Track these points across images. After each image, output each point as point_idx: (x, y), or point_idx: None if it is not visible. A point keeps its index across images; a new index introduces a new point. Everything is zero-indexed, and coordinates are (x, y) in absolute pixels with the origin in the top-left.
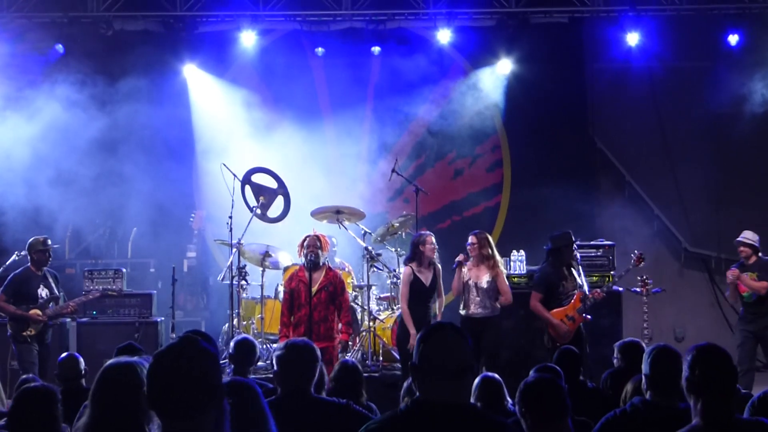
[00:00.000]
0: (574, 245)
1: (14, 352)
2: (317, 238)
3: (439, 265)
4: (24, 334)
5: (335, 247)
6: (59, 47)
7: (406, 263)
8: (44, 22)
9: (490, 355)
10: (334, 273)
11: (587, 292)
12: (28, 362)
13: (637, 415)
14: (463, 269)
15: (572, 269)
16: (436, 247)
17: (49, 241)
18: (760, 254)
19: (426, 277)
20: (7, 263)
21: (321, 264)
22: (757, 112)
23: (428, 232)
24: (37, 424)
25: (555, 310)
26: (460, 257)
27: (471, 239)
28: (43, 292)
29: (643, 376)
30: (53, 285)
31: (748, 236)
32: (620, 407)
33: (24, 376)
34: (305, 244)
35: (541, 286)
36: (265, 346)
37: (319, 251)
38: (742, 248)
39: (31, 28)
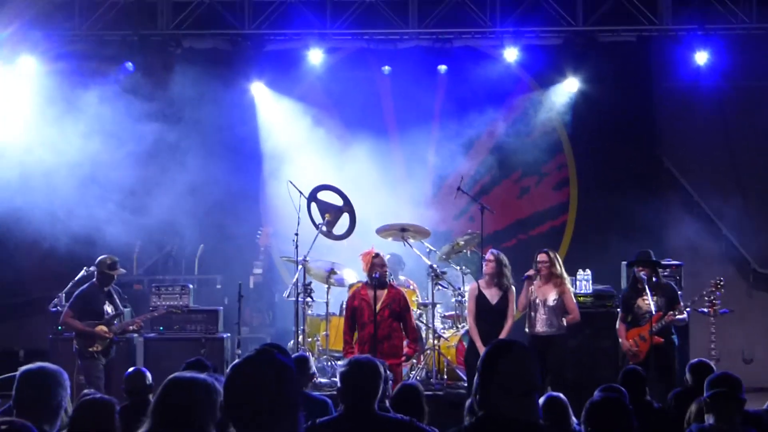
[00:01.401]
0: (641, 264)
1: (80, 367)
2: (379, 258)
3: (513, 288)
4: (90, 350)
5: (402, 265)
6: (129, 65)
7: (478, 279)
8: (115, 40)
9: (555, 374)
10: (396, 290)
11: (653, 312)
12: (95, 377)
13: None
14: (531, 287)
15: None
16: (503, 264)
17: (118, 266)
18: None
19: (492, 295)
20: (76, 278)
21: (385, 282)
22: None
23: (493, 250)
24: None
25: (632, 330)
26: (531, 272)
27: (542, 257)
28: (108, 308)
29: (703, 401)
30: (118, 301)
31: None
32: (684, 431)
33: (86, 391)
34: (373, 262)
35: (621, 305)
36: (329, 363)
37: (378, 271)
38: None
39: (103, 46)
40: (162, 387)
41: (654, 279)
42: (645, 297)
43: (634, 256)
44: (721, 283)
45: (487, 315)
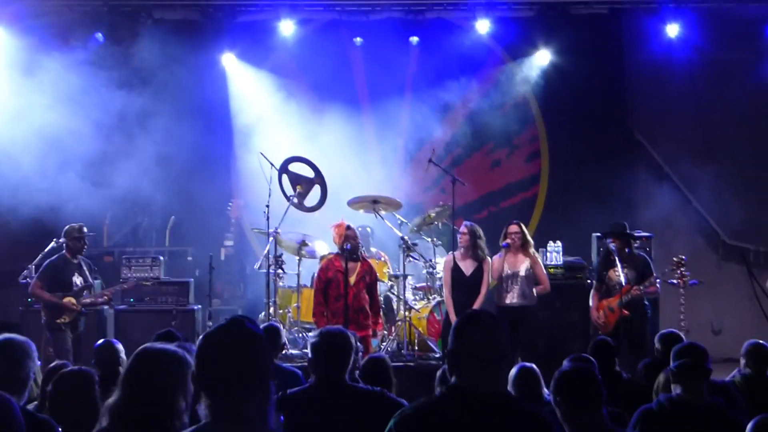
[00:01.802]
0: (612, 236)
1: (49, 339)
2: (351, 231)
3: (489, 259)
4: (58, 321)
5: (371, 237)
6: (99, 36)
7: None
8: (85, 11)
9: (526, 345)
10: (368, 263)
11: (623, 284)
12: (63, 350)
13: (664, 411)
14: (501, 261)
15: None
16: (477, 236)
17: (85, 229)
18: None
19: (467, 267)
20: (46, 250)
21: (357, 254)
22: None
23: (467, 222)
24: (76, 407)
25: (602, 301)
26: (509, 241)
27: (513, 228)
28: (78, 279)
29: (670, 372)
30: (87, 273)
31: None
32: (653, 401)
33: (55, 362)
34: (346, 234)
35: (595, 276)
36: (301, 335)
37: (349, 243)
38: None
39: (72, 16)
40: (132, 358)
41: (627, 251)
42: (615, 269)
43: (608, 227)
44: (683, 260)
45: (463, 286)
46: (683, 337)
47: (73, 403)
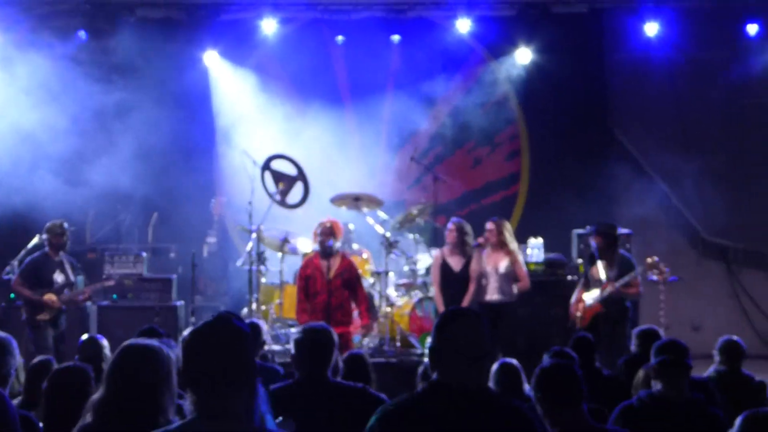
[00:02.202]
0: (595, 234)
1: (29, 336)
2: (331, 225)
3: (477, 254)
4: (38, 318)
5: (353, 234)
6: (81, 34)
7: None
8: (68, 9)
9: (507, 341)
10: (349, 260)
11: (603, 281)
12: (43, 347)
13: (645, 407)
14: (482, 255)
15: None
16: (464, 232)
17: (66, 225)
18: None
19: (456, 263)
20: (29, 246)
21: (336, 251)
22: None
23: (454, 219)
24: (72, 403)
25: (584, 294)
26: (480, 240)
27: (488, 226)
28: (59, 277)
29: (651, 368)
30: (69, 271)
31: None
32: (631, 398)
33: (39, 358)
34: (318, 231)
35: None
36: (283, 331)
37: (333, 238)
38: None
39: (55, 14)
40: (116, 353)
41: (611, 250)
42: (597, 266)
43: (595, 225)
44: (656, 261)
45: (452, 282)
46: (661, 333)
47: (69, 398)
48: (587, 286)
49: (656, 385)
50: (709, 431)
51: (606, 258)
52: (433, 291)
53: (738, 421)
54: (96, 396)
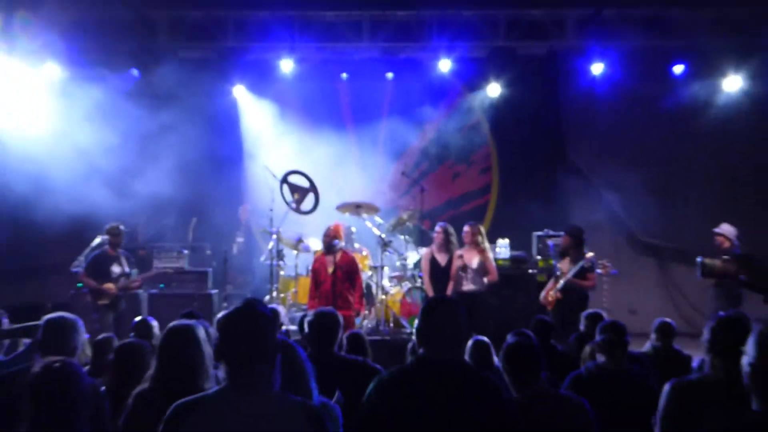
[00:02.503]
0: (565, 234)
1: (94, 317)
2: (334, 229)
3: (460, 252)
4: (99, 303)
5: (354, 235)
6: (134, 71)
7: (429, 246)
8: (123, 51)
9: (479, 322)
10: (349, 257)
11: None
12: (106, 326)
13: (591, 376)
14: (459, 258)
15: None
16: (450, 232)
17: (122, 227)
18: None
19: (441, 259)
20: (92, 245)
21: (337, 249)
22: (697, 128)
23: (441, 223)
24: (132, 371)
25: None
26: (457, 252)
27: (465, 229)
28: (116, 269)
29: (596, 344)
30: (125, 264)
31: (724, 228)
32: (580, 368)
33: (102, 335)
34: (324, 233)
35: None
36: (298, 314)
37: (333, 240)
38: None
39: (112, 55)
40: (165, 332)
41: (575, 249)
42: (562, 261)
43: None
44: (591, 264)
45: (439, 274)
46: (605, 315)
47: (131, 368)
48: (557, 279)
49: (600, 358)
50: (642, 395)
51: (571, 255)
52: (420, 282)
53: (666, 387)
54: (150, 372)
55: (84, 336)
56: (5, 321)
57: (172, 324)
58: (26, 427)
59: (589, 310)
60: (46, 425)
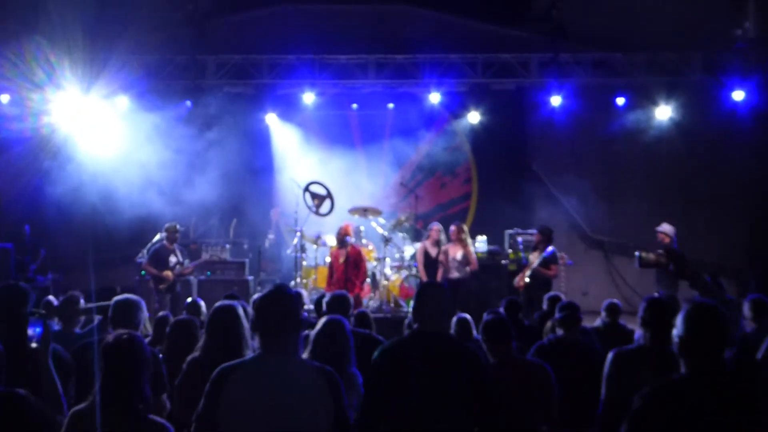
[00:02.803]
0: (537, 233)
1: (155, 298)
2: (345, 228)
3: (445, 248)
4: (160, 287)
5: (362, 233)
6: (188, 103)
7: (424, 239)
8: (179, 86)
9: (462, 303)
10: (356, 250)
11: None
12: (164, 306)
13: (552, 345)
14: (446, 253)
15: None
16: (440, 230)
17: (178, 226)
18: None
19: (433, 251)
20: (153, 240)
21: (347, 244)
22: (635, 147)
23: (436, 223)
24: (185, 341)
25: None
26: (444, 248)
27: (452, 228)
28: (173, 259)
29: (556, 320)
30: (179, 255)
31: (664, 227)
32: (543, 339)
33: (161, 313)
34: (337, 232)
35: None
36: (317, 296)
37: (345, 237)
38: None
39: (170, 90)
40: (212, 310)
41: (544, 245)
42: (533, 254)
43: (536, 229)
44: (552, 255)
45: (431, 264)
46: (563, 297)
47: (184, 339)
48: (527, 267)
49: (559, 332)
50: (591, 360)
51: (540, 249)
52: (415, 270)
53: (609, 355)
54: (201, 343)
55: (146, 314)
56: (81, 301)
57: (218, 303)
58: (97, 386)
59: (551, 293)
60: (114, 384)
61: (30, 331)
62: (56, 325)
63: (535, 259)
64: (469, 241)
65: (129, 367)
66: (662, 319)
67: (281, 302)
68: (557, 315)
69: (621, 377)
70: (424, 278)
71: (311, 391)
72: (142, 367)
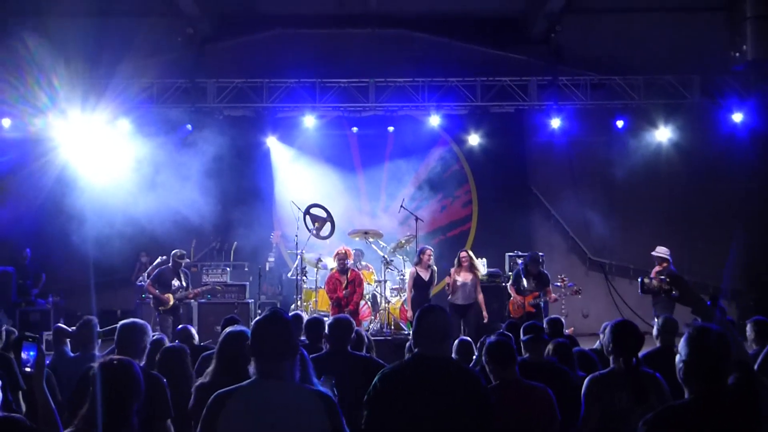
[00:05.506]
0: (528, 261)
1: (156, 321)
2: (345, 252)
3: (435, 268)
4: (160, 309)
5: (363, 256)
6: (188, 126)
7: (413, 265)
8: (180, 110)
9: (471, 326)
10: (355, 273)
11: (531, 291)
12: (165, 327)
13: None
14: (455, 275)
15: (538, 276)
16: (431, 254)
17: (186, 257)
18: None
19: (425, 275)
20: (155, 263)
21: (348, 268)
22: (635, 169)
23: (428, 246)
24: (174, 367)
25: (518, 297)
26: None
27: (463, 254)
28: (176, 282)
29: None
30: (183, 279)
31: (661, 250)
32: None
33: (155, 336)
34: (337, 257)
35: (513, 281)
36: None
37: (345, 261)
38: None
39: (172, 113)
40: (223, 336)
41: (537, 270)
42: (525, 280)
43: (528, 256)
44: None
45: (422, 287)
46: (563, 321)
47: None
48: (519, 291)
49: (525, 355)
50: (558, 380)
51: (532, 274)
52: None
53: (586, 380)
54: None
55: (151, 337)
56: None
57: (228, 329)
58: (85, 410)
59: (552, 316)
60: (102, 410)
61: (24, 355)
62: (69, 350)
63: (525, 283)
64: (481, 267)
65: (115, 394)
66: (630, 344)
67: (277, 327)
68: (522, 337)
69: (596, 402)
70: (409, 303)
71: (308, 416)
72: (129, 395)
